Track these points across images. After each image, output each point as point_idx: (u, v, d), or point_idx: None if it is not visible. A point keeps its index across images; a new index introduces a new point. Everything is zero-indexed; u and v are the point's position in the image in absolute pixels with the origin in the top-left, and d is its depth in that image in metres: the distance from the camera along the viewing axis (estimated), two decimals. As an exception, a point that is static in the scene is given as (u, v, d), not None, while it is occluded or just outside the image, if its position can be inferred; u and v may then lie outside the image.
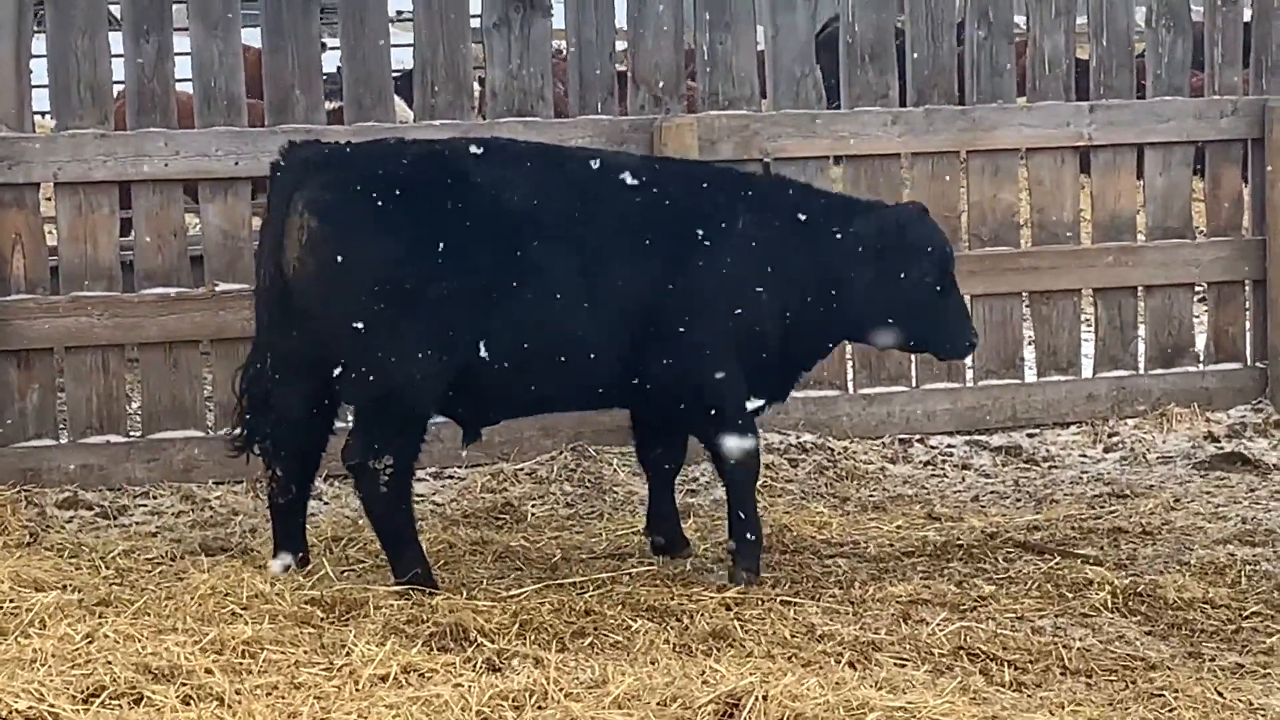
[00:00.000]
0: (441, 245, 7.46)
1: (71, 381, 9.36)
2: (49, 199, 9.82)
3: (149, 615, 7.09)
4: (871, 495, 9.37)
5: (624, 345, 7.68)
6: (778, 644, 7.03)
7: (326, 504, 9.01)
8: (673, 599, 7.52)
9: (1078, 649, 7.06)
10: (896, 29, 10.36)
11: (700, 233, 7.76)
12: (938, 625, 7.23)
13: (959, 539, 8.46)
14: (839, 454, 9.81)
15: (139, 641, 6.70)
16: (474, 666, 6.67)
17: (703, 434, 7.95)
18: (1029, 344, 10.62)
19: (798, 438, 9.84)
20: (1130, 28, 10.56)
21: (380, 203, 7.49)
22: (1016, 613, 7.48)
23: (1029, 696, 6.63)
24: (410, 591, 7.43)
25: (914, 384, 10.21)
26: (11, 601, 7.19)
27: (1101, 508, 9.05)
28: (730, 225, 7.80)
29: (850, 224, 7.92)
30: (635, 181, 7.81)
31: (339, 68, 9.83)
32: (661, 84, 9.91)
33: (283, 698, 6.32)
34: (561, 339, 7.61)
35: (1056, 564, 8.08)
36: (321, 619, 7.17)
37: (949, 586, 7.76)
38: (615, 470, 9.49)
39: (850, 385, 10.15)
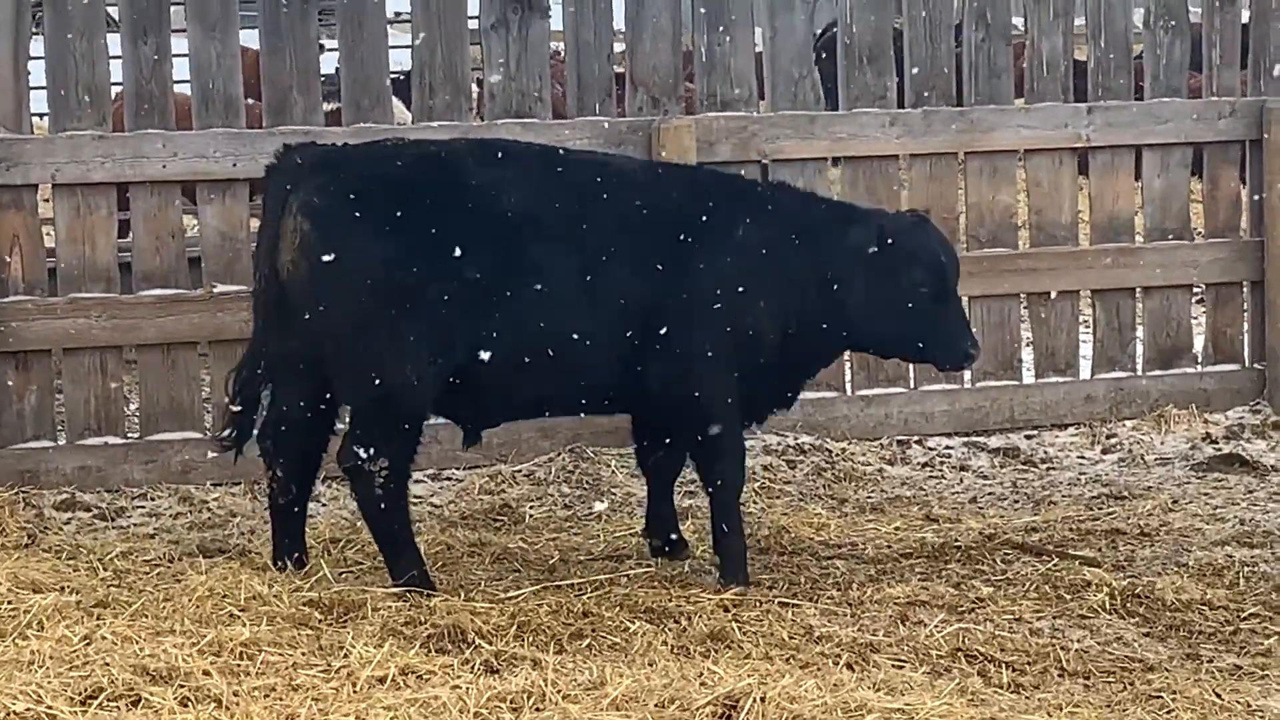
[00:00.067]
0: (435, 248, 7.46)
1: (69, 383, 9.36)
2: (47, 200, 9.81)
3: (147, 617, 7.09)
4: (869, 497, 9.37)
5: (620, 350, 7.67)
6: (776, 645, 7.03)
7: (324, 505, 9.01)
8: (671, 601, 7.51)
9: (1076, 650, 7.06)
10: (895, 30, 10.36)
11: (697, 239, 7.73)
12: (936, 627, 7.23)
13: (957, 540, 8.46)
14: (837, 455, 9.81)
15: (137, 643, 6.70)
16: (472, 668, 6.67)
17: (689, 443, 7.94)
18: (1027, 345, 10.62)
19: (796, 439, 9.84)
20: (1128, 29, 10.56)
21: (373, 206, 7.49)
22: (1014, 614, 7.48)
23: (1027, 698, 6.63)
24: (408, 593, 7.43)
25: (912, 385, 10.21)
26: (9, 603, 7.18)
27: (1099, 509, 9.05)
28: (727, 232, 7.77)
29: (846, 232, 7.87)
30: (633, 185, 7.81)
31: (337, 69, 9.84)
32: (659, 85, 9.91)
33: (280, 699, 6.32)
34: (557, 342, 7.60)
35: (1054, 565, 8.08)
36: (319, 621, 7.17)
37: (947, 588, 7.76)
38: (613, 472, 9.49)
39: (848, 387, 10.15)
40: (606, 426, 9.45)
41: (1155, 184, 10.59)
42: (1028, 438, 10.23)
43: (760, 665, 6.70)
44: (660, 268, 7.67)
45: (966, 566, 8.15)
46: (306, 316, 7.54)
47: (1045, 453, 10.03)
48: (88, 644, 6.71)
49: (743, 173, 9.50)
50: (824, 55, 11.15)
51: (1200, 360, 10.66)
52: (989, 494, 9.43)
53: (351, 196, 7.51)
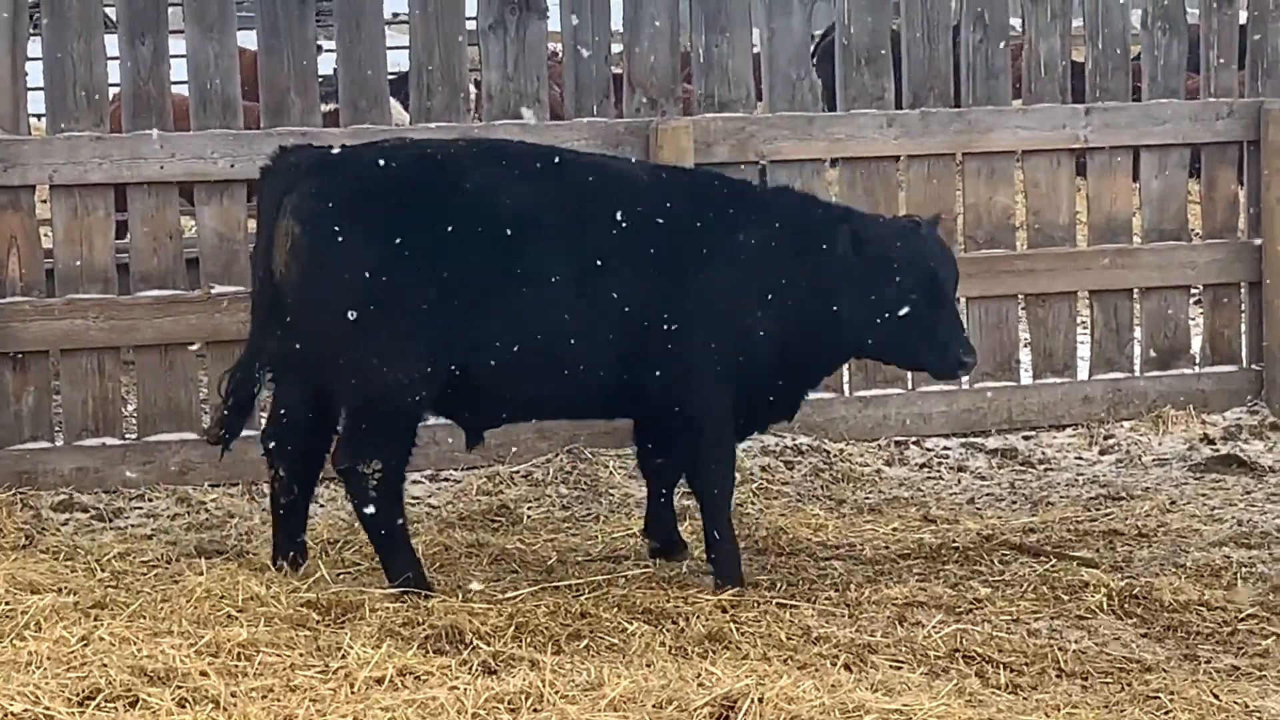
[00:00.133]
0: (427, 252, 7.45)
1: (67, 384, 9.35)
2: (45, 201, 9.81)
3: (144, 618, 7.08)
4: (867, 497, 9.36)
5: (615, 355, 7.65)
6: (774, 646, 7.03)
7: (322, 507, 9.00)
8: (668, 601, 7.51)
9: (1073, 651, 7.05)
10: (892, 32, 10.37)
11: (691, 244, 7.69)
12: (933, 627, 7.23)
13: (955, 541, 8.46)
14: (835, 456, 9.81)
15: (134, 644, 6.69)
16: (470, 669, 6.67)
17: (680, 449, 7.93)
18: (1025, 346, 10.62)
19: (794, 440, 9.84)
20: (1126, 30, 10.57)
21: (365, 209, 7.49)
22: (1012, 615, 7.48)
23: (1025, 699, 6.63)
24: (406, 594, 7.43)
25: (910, 386, 10.20)
26: (7, 604, 7.18)
27: (1097, 510, 9.05)
28: (722, 238, 7.72)
29: (839, 238, 7.74)
30: (630, 188, 7.79)
31: (335, 70, 9.83)
32: (657, 87, 9.91)
33: (278, 700, 6.32)
34: (551, 346, 7.58)
35: (1052, 566, 8.08)
36: (317, 622, 7.17)
37: (945, 589, 7.76)
38: (611, 473, 9.49)
39: (846, 388, 10.15)
40: (604, 428, 9.45)
41: (1153, 185, 10.60)
42: (1025, 439, 10.23)
43: (758, 666, 6.70)
44: (653, 273, 7.65)
45: (964, 567, 8.15)
46: (300, 319, 7.55)
47: (1043, 454, 10.03)
48: (85, 645, 6.71)
49: (742, 172, 9.51)
50: (818, 60, 11.14)
51: (1198, 361, 10.66)
52: (987, 495, 9.43)
53: (344, 200, 7.51)
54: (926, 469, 9.84)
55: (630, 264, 7.64)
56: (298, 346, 7.59)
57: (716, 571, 7.82)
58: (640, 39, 9.90)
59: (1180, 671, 6.89)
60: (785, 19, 10.10)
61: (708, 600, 7.52)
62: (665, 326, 7.65)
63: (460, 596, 7.49)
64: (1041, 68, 10.44)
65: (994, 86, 10.35)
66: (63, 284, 9.30)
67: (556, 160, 7.85)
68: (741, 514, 8.81)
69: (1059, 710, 6.45)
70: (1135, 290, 10.59)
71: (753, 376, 7.76)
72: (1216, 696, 6.59)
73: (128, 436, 9.45)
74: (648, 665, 6.73)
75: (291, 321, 7.57)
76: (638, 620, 7.28)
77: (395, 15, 17.36)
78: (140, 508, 9.09)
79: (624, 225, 7.66)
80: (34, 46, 9.53)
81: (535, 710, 6.24)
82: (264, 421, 8.13)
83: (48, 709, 6.12)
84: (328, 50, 10.90)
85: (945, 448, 10.10)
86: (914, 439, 10.14)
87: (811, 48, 10.59)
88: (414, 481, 9.30)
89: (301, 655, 6.73)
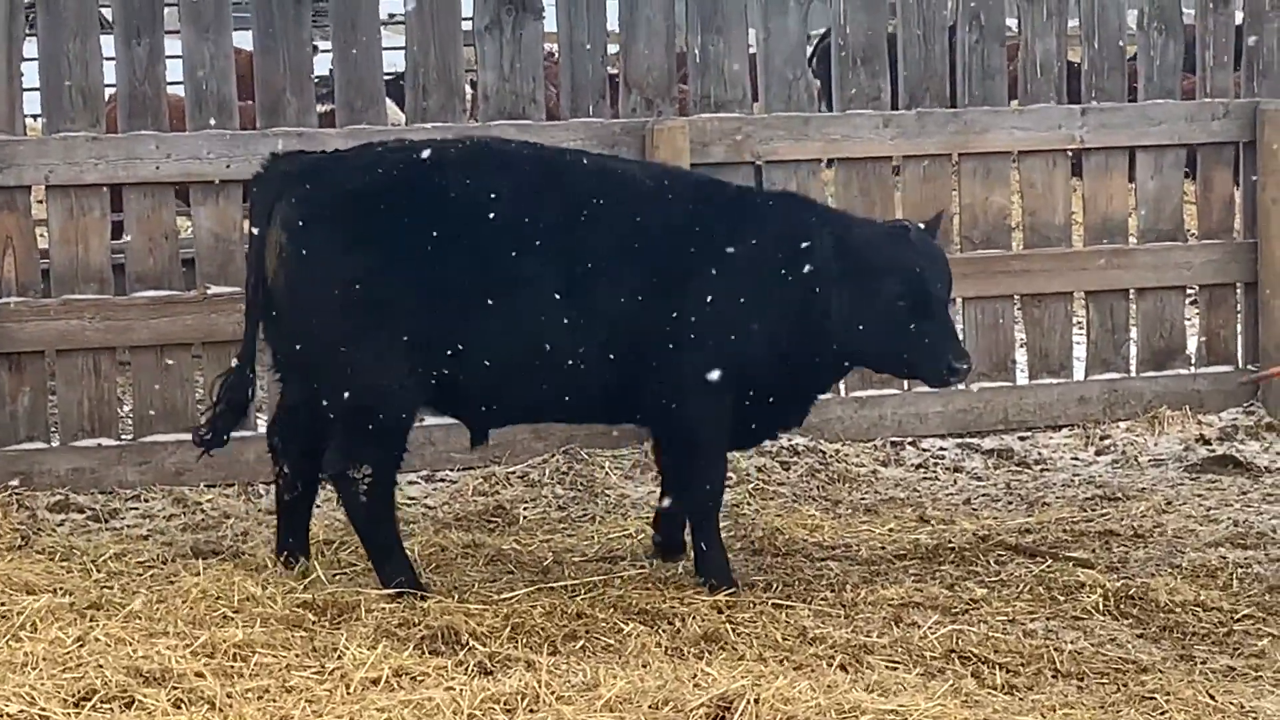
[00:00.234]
0: (414, 258, 7.44)
1: (63, 384, 9.35)
2: (40, 202, 9.80)
3: (140, 618, 7.08)
4: (863, 498, 9.37)
5: (605, 361, 7.62)
6: (769, 647, 7.03)
7: (319, 507, 8.97)
8: (664, 602, 7.51)
9: (1069, 652, 7.06)
10: (888, 32, 10.37)
11: (684, 251, 7.66)
12: (929, 628, 7.23)
13: (951, 542, 8.46)
14: (831, 457, 9.81)
15: (130, 645, 6.69)
16: (466, 670, 6.67)
17: (671, 456, 7.92)
18: (1021, 347, 10.63)
19: (789, 440, 9.83)
20: (1122, 30, 10.58)
21: (351, 217, 7.50)
22: (1008, 615, 7.48)
23: (1021, 699, 6.63)
24: (402, 595, 7.43)
25: (906, 387, 10.20)
26: (2, 605, 7.18)
27: (1093, 510, 9.05)
28: (717, 245, 7.69)
29: (827, 243, 7.65)
30: (625, 193, 7.76)
31: (331, 70, 9.83)
32: (653, 87, 9.91)
33: (274, 701, 6.32)
34: (543, 351, 7.56)
35: (1048, 567, 8.08)
36: (313, 622, 7.17)
37: (941, 589, 7.76)
38: (607, 474, 9.49)
39: (842, 388, 10.14)
40: (600, 429, 9.45)
41: (1149, 185, 10.60)
42: (1021, 439, 10.24)
43: (754, 667, 6.70)
44: (644, 280, 7.61)
45: (960, 568, 8.15)
46: (290, 324, 7.57)
47: (1039, 454, 10.03)
48: (81, 645, 6.71)
49: (738, 173, 9.51)
50: (818, 61, 11.14)
51: (1194, 361, 10.66)
52: (983, 495, 9.43)
53: (331, 209, 7.52)
54: (922, 469, 9.84)
55: (618, 270, 7.60)
56: (298, 348, 7.61)
57: (706, 579, 7.77)
58: (636, 39, 9.91)
59: (1176, 672, 6.90)
60: (781, 19, 10.10)
61: (704, 601, 7.52)
62: (654, 335, 7.61)
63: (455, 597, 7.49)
64: (1037, 68, 10.44)
65: (990, 87, 10.35)
66: (58, 284, 9.30)
67: (549, 163, 7.81)
68: (737, 514, 8.81)
69: (1055, 711, 6.45)
70: (1131, 291, 10.59)
71: (749, 385, 7.73)
72: (1212, 697, 6.60)
73: (124, 437, 9.45)
74: (644, 666, 6.73)
75: (284, 326, 7.59)
76: (634, 621, 7.28)
77: (391, 16, 17.35)
78: (136, 508, 9.09)
79: (615, 231, 7.64)
80: (30, 47, 9.52)
81: (531, 711, 6.24)
82: (266, 420, 8.12)
83: (43, 710, 6.12)
84: (324, 50, 10.89)
85: (941, 448, 10.10)
86: (910, 439, 10.14)
87: (811, 49, 10.57)
88: (410, 482, 9.31)
89: (297, 656, 6.73)
